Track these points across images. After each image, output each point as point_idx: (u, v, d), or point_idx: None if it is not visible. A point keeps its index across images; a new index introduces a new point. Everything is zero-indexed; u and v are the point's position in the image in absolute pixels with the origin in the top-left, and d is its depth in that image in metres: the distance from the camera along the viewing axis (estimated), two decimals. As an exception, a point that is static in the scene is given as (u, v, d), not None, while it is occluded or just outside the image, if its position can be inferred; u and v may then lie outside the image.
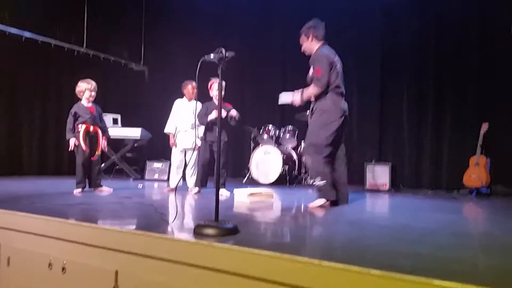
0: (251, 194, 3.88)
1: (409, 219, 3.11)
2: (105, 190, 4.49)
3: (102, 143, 4.47)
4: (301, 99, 3.64)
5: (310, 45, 3.74)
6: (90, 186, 4.44)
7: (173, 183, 4.89)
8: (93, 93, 4.47)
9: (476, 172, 5.16)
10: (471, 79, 5.68)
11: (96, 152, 4.42)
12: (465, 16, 5.69)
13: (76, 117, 4.34)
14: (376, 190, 5.48)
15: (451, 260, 1.80)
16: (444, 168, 5.87)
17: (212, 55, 2.24)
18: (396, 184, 5.69)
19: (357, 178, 6.11)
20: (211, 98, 4.69)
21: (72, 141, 4.28)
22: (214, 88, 4.60)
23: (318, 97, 3.58)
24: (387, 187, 5.49)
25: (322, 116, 3.55)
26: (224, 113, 4.44)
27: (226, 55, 2.21)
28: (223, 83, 4.56)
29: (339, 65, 3.67)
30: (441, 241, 2.26)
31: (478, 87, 5.62)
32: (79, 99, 4.48)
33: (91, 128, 4.37)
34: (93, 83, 4.48)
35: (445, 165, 5.86)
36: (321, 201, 3.52)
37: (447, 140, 5.87)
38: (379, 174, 5.58)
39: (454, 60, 5.81)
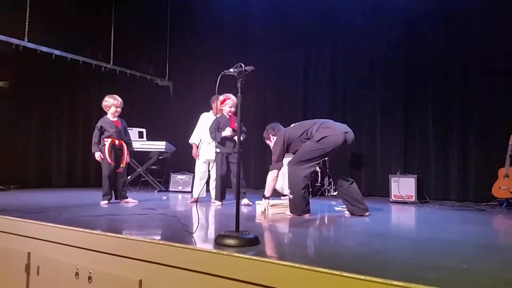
0: (273, 206, 3.88)
1: (435, 231, 3.04)
2: (131, 201, 4.59)
3: (127, 156, 4.59)
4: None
5: (274, 140, 4.12)
6: (116, 198, 4.54)
7: (196, 193, 4.96)
8: (119, 109, 4.60)
9: (506, 184, 5.00)
10: (498, 90, 5.54)
11: (121, 165, 4.53)
12: (490, 28, 5.58)
13: (102, 131, 4.47)
14: (401, 202, 5.38)
15: (476, 273, 1.75)
16: (471, 180, 5.71)
17: (231, 70, 2.30)
18: (422, 196, 5.57)
19: (383, 190, 6.03)
20: (221, 112, 4.76)
21: (98, 155, 4.41)
22: (227, 104, 4.65)
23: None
24: (413, 199, 5.38)
25: (312, 142, 3.74)
26: (229, 132, 4.54)
27: (246, 70, 2.26)
28: (235, 98, 4.64)
29: (291, 125, 4.06)
30: (467, 253, 2.20)
31: (506, 97, 5.47)
32: (105, 113, 4.62)
33: (117, 141, 4.49)
34: (120, 100, 4.61)
35: (472, 176, 5.70)
36: (290, 214, 3.73)
37: (474, 151, 5.72)
38: (404, 186, 5.47)
39: (480, 70, 5.68)
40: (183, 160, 6.91)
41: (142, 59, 8.37)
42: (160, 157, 7.04)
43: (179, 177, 6.85)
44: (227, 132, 4.53)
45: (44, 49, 6.70)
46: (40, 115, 6.72)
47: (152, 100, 8.45)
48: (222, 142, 4.61)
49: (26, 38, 6.43)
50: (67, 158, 7.07)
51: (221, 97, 4.65)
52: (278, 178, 6.11)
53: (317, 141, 3.67)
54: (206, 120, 5.08)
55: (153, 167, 7.14)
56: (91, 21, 7.33)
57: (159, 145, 6.88)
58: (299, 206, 3.69)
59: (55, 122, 6.97)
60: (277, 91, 7.53)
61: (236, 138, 4.61)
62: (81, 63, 7.23)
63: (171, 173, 6.97)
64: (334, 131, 3.69)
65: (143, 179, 7.02)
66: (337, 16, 6.85)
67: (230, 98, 4.63)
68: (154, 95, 8.59)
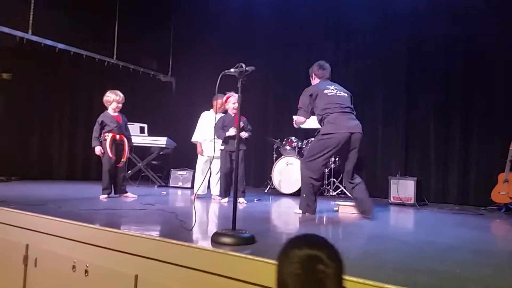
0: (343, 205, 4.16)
1: (432, 235, 3.05)
2: (130, 196, 4.61)
3: (127, 151, 4.61)
4: (295, 122, 3.99)
5: (312, 82, 4.02)
6: (115, 192, 4.56)
7: (196, 190, 4.98)
8: (120, 105, 4.62)
9: (506, 189, 5.00)
10: (500, 94, 5.53)
11: (122, 159, 4.55)
12: (493, 31, 5.56)
13: (102, 125, 4.49)
14: (401, 204, 5.38)
15: (468, 278, 1.76)
16: (471, 184, 5.70)
17: (232, 70, 2.31)
18: (421, 199, 5.57)
19: (382, 191, 6.03)
20: (226, 111, 4.80)
21: (98, 149, 4.43)
22: (230, 101, 4.68)
23: (320, 124, 3.85)
24: (412, 201, 5.38)
25: (318, 137, 3.81)
26: (233, 132, 4.52)
27: (246, 70, 2.27)
28: (237, 95, 4.66)
29: (329, 90, 3.81)
30: (462, 258, 2.21)
31: (508, 101, 5.46)
32: (106, 108, 4.64)
33: (117, 136, 4.51)
34: (121, 96, 4.63)
35: (472, 180, 5.70)
36: (299, 210, 3.79)
37: (474, 156, 5.71)
38: (404, 188, 5.47)
39: (482, 74, 5.67)
40: (184, 156, 6.93)
41: (145, 54, 8.38)
42: (161, 153, 7.06)
43: (179, 173, 6.87)
44: (231, 132, 4.55)
45: (48, 42, 6.70)
46: (43, 108, 6.73)
47: (154, 95, 8.46)
48: (226, 140, 4.66)
49: (30, 31, 6.44)
50: (68, 151, 7.08)
51: (224, 98, 4.70)
52: (275, 175, 6.16)
53: (322, 134, 3.72)
54: (206, 118, 5.11)
55: (153, 162, 7.16)
56: (95, 15, 7.33)
57: (160, 141, 6.90)
58: (306, 203, 3.73)
59: (57, 115, 6.98)
60: (278, 89, 7.53)
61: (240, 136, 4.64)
62: (85, 57, 7.23)
63: (172, 169, 6.99)
64: (339, 129, 3.65)
65: (143, 174, 7.05)
66: (340, 14, 6.84)
67: (232, 96, 4.65)
68: (156, 90, 8.60)
